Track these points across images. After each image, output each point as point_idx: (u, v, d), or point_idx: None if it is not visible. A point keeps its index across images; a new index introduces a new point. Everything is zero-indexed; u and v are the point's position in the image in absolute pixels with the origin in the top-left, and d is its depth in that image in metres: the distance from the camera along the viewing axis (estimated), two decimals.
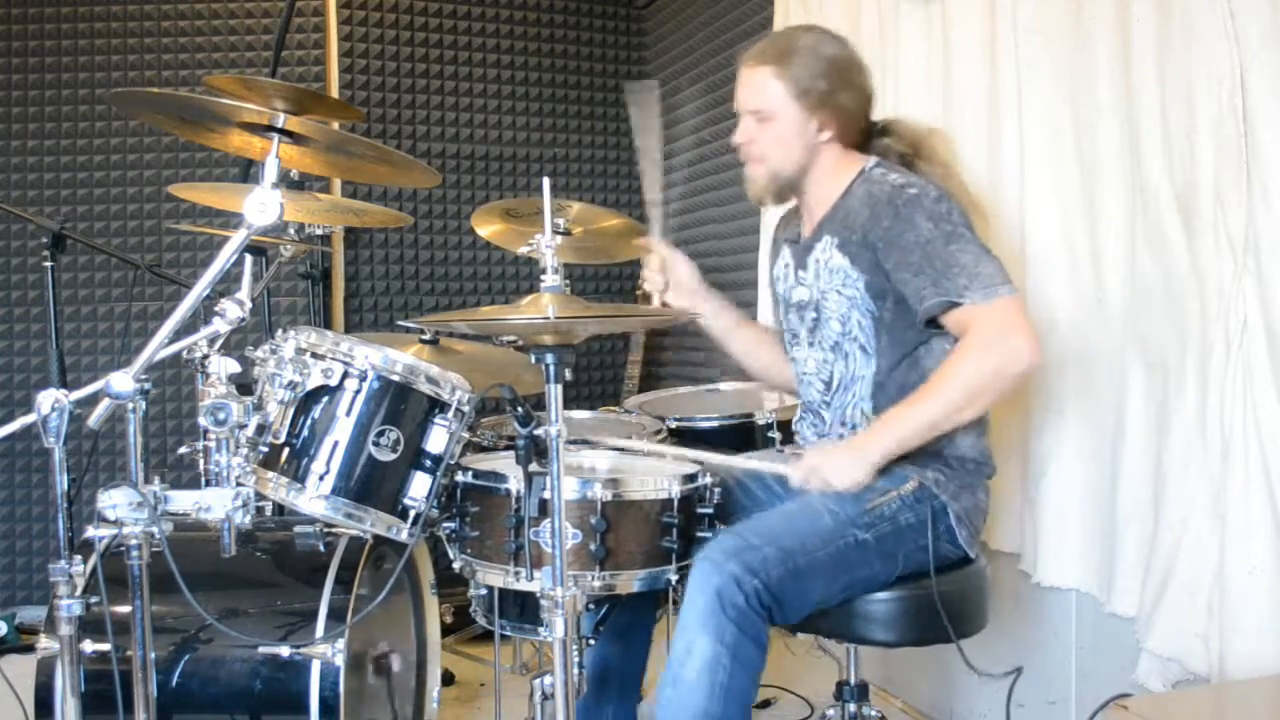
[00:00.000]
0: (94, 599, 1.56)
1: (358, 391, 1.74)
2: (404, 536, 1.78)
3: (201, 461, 2.06)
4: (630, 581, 1.75)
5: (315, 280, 3.33)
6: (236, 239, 1.59)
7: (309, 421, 1.74)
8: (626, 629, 2.09)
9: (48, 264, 2.62)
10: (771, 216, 3.05)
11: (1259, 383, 1.72)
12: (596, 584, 1.72)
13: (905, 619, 1.79)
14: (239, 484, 1.67)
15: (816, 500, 1.79)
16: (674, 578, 1.77)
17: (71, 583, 1.54)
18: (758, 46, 1.93)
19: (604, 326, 1.89)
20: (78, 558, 1.57)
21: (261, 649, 1.84)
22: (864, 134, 1.95)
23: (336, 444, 1.73)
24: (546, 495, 1.61)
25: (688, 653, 1.61)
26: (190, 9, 3.61)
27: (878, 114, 1.98)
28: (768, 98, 1.87)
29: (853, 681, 2.00)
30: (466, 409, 1.80)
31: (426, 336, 2.44)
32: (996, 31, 2.28)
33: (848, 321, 1.88)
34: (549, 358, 1.57)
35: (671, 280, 2.13)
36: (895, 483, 1.81)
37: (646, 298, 3.47)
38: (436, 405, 1.78)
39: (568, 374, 1.58)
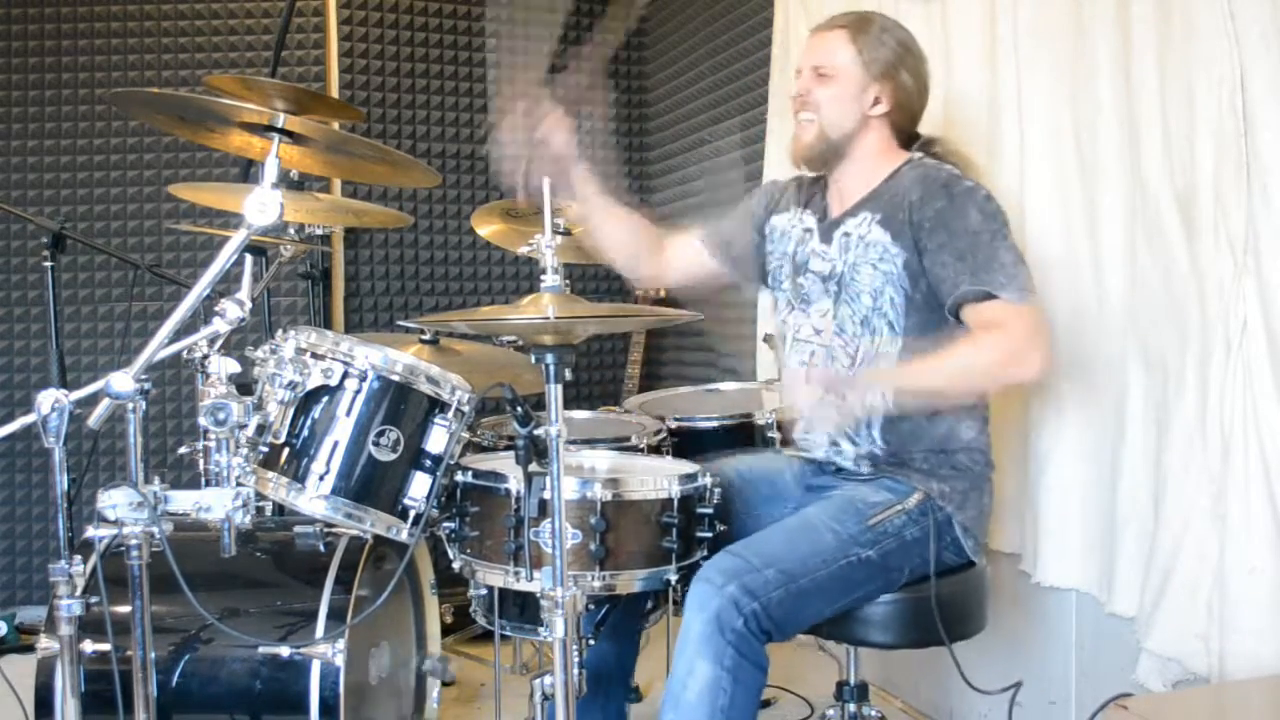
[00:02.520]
0: (94, 599, 1.56)
1: (358, 391, 1.74)
2: (404, 536, 1.78)
3: (201, 461, 2.06)
4: (630, 581, 1.75)
5: (315, 280, 3.33)
6: (236, 239, 1.59)
7: (309, 421, 1.74)
8: (619, 628, 2.09)
9: (48, 264, 2.62)
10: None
11: (1259, 383, 1.72)
12: (596, 584, 1.72)
13: (905, 622, 1.80)
14: (239, 484, 1.67)
15: (817, 517, 1.79)
16: (674, 578, 1.77)
17: (71, 583, 1.54)
18: (831, 17, 1.99)
19: (604, 326, 1.89)
20: (78, 558, 1.56)
21: (261, 649, 1.84)
22: (910, 134, 1.98)
23: (336, 444, 1.73)
24: (546, 495, 1.61)
25: (688, 675, 1.61)
26: (190, 9, 3.61)
27: None
28: (834, 56, 1.91)
29: (853, 681, 2.00)
30: (466, 409, 1.80)
31: (426, 336, 2.44)
32: (996, 31, 2.28)
33: (880, 296, 1.86)
34: (549, 358, 1.57)
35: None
36: (899, 496, 1.81)
37: (646, 299, 3.47)
38: (436, 405, 1.78)
39: (568, 374, 1.58)
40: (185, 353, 1.73)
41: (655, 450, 2.28)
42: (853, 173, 1.95)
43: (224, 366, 1.66)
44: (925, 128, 2.02)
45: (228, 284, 1.73)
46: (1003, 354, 1.73)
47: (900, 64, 1.91)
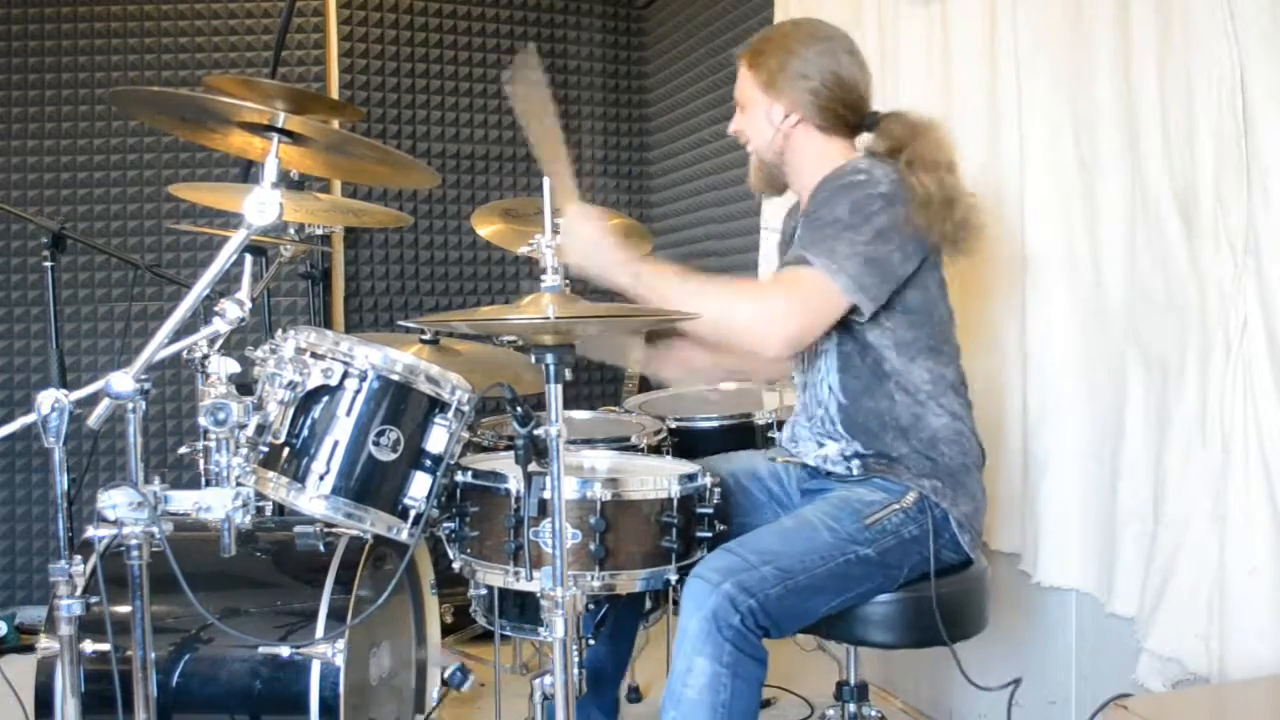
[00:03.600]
0: (94, 599, 1.56)
1: (358, 391, 1.74)
2: (404, 536, 1.78)
3: (201, 461, 2.06)
4: (630, 581, 1.75)
5: (315, 280, 3.33)
6: (236, 239, 1.59)
7: (309, 421, 1.74)
8: (617, 629, 2.09)
9: (48, 264, 2.61)
10: (771, 215, 3.05)
11: (1259, 383, 1.72)
12: (596, 584, 1.72)
13: (905, 622, 1.79)
14: (239, 484, 1.67)
15: (813, 515, 1.79)
16: (674, 577, 1.77)
17: (71, 583, 1.54)
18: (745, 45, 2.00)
19: (604, 326, 1.89)
20: (78, 558, 1.57)
21: (261, 649, 1.84)
22: (854, 125, 1.92)
23: (336, 444, 1.73)
24: (546, 495, 1.61)
25: (688, 672, 1.61)
26: (190, 9, 3.61)
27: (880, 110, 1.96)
28: (741, 86, 1.95)
29: (853, 681, 2.00)
30: (466, 409, 1.80)
31: (426, 336, 2.44)
32: (996, 31, 2.28)
33: None
34: (549, 358, 1.57)
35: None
36: (894, 495, 1.81)
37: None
38: (436, 405, 1.78)
39: (568, 374, 1.58)
40: (185, 353, 1.73)
41: (655, 450, 2.28)
42: (800, 181, 1.95)
43: (224, 366, 1.66)
44: None
45: (228, 284, 1.73)
46: (755, 310, 1.75)
47: (799, 71, 1.86)
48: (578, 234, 1.79)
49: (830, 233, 1.74)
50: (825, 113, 1.89)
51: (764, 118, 1.91)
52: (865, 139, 1.94)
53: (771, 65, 1.89)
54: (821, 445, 1.93)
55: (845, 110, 1.89)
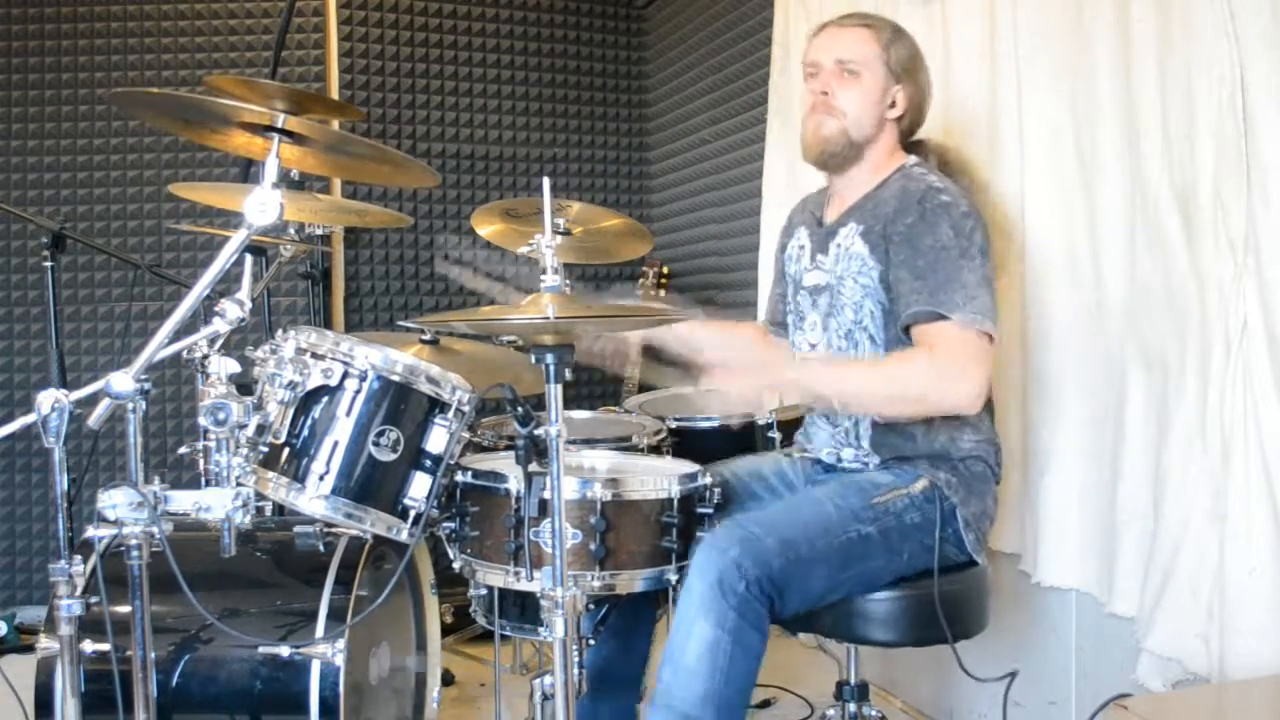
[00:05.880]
0: (94, 599, 1.56)
1: (358, 391, 1.74)
2: (404, 536, 1.78)
3: (201, 461, 2.06)
4: (630, 581, 1.75)
5: (315, 280, 3.33)
6: (236, 239, 1.59)
7: (309, 421, 1.74)
8: (626, 629, 2.08)
9: (48, 264, 2.62)
10: (772, 215, 3.05)
11: (1259, 383, 1.72)
12: (596, 584, 1.72)
13: (905, 619, 1.79)
14: (239, 484, 1.66)
15: (821, 493, 1.81)
16: (674, 578, 1.77)
17: (71, 583, 1.54)
18: (847, 14, 2.00)
19: (604, 326, 1.89)
20: (78, 558, 1.56)
21: (261, 649, 1.84)
22: (910, 140, 1.99)
23: (336, 444, 1.73)
24: (546, 495, 1.61)
25: (687, 636, 1.62)
26: (190, 9, 3.61)
27: None
28: (861, 52, 1.91)
29: (853, 681, 2.00)
30: (466, 409, 1.80)
31: (426, 336, 2.44)
32: (996, 31, 2.28)
33: (860, 310, 1.88)
34: (549, 358, 1.57)
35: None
36: (904, 480, 1.82)
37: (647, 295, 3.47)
38: (436, 405, 1.78)
39: (568, 374, 1.58)
40: (185, 353, 1.73)
41: (655, 450, 2.28)
42: (855, 177, 1.96)
43: (224, 366, 1.66)
44: (924, 128, 2.03)
45: (228, 284, 1.73)
46: (931, 377, 1.73)
47: (916, 67, 1.93)
48: (739, 378, 1.83)
49: (945, 261, 1.75)
50: (913, 121, 1.97)
51: (878, 97, 1.91)
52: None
53: (905, 58, 1.91)
54: (835, 452, 1.96)
55: (918, 126, 1.99)
